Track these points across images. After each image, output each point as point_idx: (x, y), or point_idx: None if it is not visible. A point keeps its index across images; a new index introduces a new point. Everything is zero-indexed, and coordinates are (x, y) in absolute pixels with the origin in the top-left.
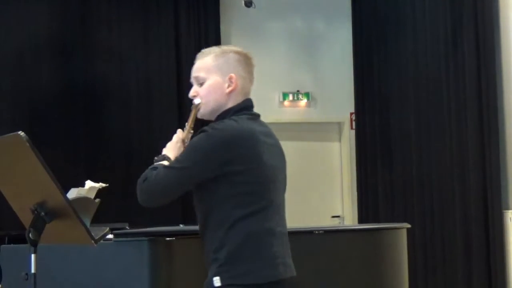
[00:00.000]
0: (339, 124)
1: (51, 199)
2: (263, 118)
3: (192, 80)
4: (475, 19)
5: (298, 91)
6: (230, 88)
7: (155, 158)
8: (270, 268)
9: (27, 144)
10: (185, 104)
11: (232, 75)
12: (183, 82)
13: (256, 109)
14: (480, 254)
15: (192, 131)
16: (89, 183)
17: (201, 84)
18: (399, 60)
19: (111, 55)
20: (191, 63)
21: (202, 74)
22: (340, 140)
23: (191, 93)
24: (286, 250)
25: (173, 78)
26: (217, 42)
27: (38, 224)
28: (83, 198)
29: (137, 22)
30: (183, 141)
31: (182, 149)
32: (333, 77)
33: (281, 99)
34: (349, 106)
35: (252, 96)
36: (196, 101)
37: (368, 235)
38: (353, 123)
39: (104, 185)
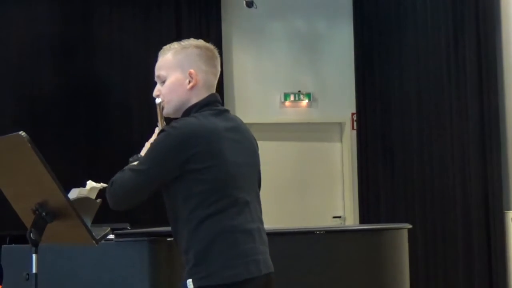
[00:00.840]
0: (341, 125)
1: (52, 199)
2: (264, 119)
3: (155, 78)
4: (476, 19)
5: (299, 91)
6: (191, 84)
7: (130, 159)
8: (239, 267)
9: (28, 144)
10: None
11: (192, 70)
12: None
13: (257, 110)
14: (481, 254)
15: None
16: (90, 183)
17: (163, 83)
18: (401, 60)
19: (112, 54)
20: None
21: (163, 72)
22: (341, 141)
23: (154, 93)
24: (259, 246)
25: None
26: (218, 42)
27: (39, 224)
28: (84, 198)
29: (139, 22)
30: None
31: None
32: (334, 77)
33: (282, 99)
34: (351, 106)
35: (254, 97)
36: (157, 100)
37: (369, 236)
38: (355, 123)
39: (105, 185)
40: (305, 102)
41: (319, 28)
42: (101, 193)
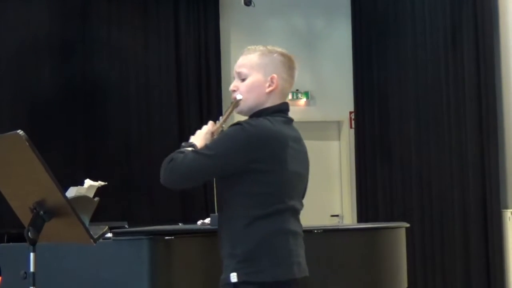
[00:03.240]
0: (339, 123)
1: (50, 197)
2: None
3: (235, 74)
4: (474, 18)
5: (297, 90)
6: (270, 88)
7: (182, 143)
8: (285, 267)
9: (26, 143)
10: (184, 102)
11: (274, 75)
12: (183, 80)
13: None
14: (479, 253)
15: (223, 126)
16: (88, 182)
17: (243, 80)
18: (399, 59)
19: (110, 53)
20: (190, 61)
21: (245, 70)
22: (339, 139)
23: (231, 87)
24: (301, 251)
25: (173, 76)
26: (216, 41)
27: (37, 223)
28: (82, 196)
29: (137, 20)
30: (212, 133)
31: (209, 140)
32: (332, 76)
33: None
34: (349, 105)
35: None
36: (238, 96)
37: (367, 234)
38: (353, 122)
39: (103, 183)
40: (303, 100)
41: (317, 26)
42: (99, 191)
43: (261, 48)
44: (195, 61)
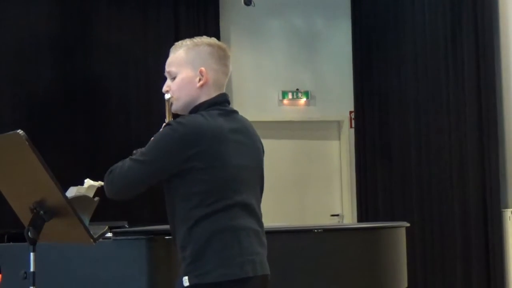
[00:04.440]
0: (339, 123)
1: (50, 197)
2: (262, 117)
3: (166, 74)
4: (474, 17)
5: (297, 89)
6: (201, 82)
7: (134, 151)
8: (234, 266)
9: (26, 143)
10: None
11: (202, 68)
12: None
13: (255, 108)
14: (479, 252)
15: None
16: (88, 182)
17: (173, 79)
18: (399, 58)
19: (110, 53)
20: None
21: (173, 69)
22: (339, 139)
23: (164, 88)
24: (256, 247)
25: None
26: None
27: (37, 223)
28: (82, 196)
29: (137, 20)
30: None
31: None
32: (332, 75)
33: (280, 97)
34: (349, 104)
35: (252, 95)
36: (167, 96)
37: (367, 234)
38: (353, 121)
39: (103, 183)
40: (303, 100)
41: (317, 26)
42: (99, 191)
43: (187, 42)
44: None
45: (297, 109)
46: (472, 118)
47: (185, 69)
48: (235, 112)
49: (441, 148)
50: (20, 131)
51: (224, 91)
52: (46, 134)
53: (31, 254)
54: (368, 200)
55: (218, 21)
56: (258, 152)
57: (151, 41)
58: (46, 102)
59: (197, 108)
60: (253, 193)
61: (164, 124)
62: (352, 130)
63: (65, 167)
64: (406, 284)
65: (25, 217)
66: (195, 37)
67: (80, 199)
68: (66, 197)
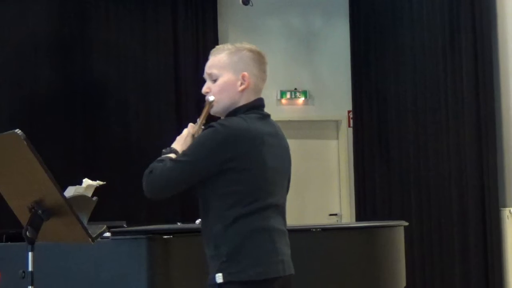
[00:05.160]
0: (337, 122)
1: (49, 197)
2: None
3: (205, 76)
4: (472, 18)
5: (295, 89)
6: (242, 86)
7: (163, 150)
8: (268, 266)
9: (25, 142)
10: (183, 102)
11: (245, 73)
12: (181, 80)
13: None
14: (477, 251)
15: (203, 127)
16: (86, 181)
17: (214, 81)
18: (397, 58)
19: (109, 53)
20: (189, 60)
21: (215, 71)
22: (337, 138)
23: (204, 89)
24: (286, 248)
25: (171, 75)
26: (214, 40)
27: (36, 222)
28: (81, 196)
29: (135, 20)
30: (193, 135)
31: (190, 143)
32: (330, 75)
33: (278, 97)
34: (347, 104)
35: None
36: (211, 98)
37: (365, 233)
38: (351, 121)
39: (101, 183)
40: (301, 99)
41: (316, 26)
42: (97, 191)
43: (229, 46)
44: (194, 61)
45: (295, 108)
46: (470, 117)
47: (227, 73)
48: (269, 116)
49: (439, 148)
50: (18, 131)
51: (261, 96)
52: (44, 133)
53: (30, 253)
54: (366, 199)
55: (216, 21)
56: (288, 156)
57: (150, 41)
58: (44, 102)
59: (236, 111)
60: (282, 195)
61: (207, 125)
62: (351, 129)
63: (64, 167)
64: (404, 283)
65: (23, 217)
66: (235, 43)
67: (79, 199)
68: (64, 197)
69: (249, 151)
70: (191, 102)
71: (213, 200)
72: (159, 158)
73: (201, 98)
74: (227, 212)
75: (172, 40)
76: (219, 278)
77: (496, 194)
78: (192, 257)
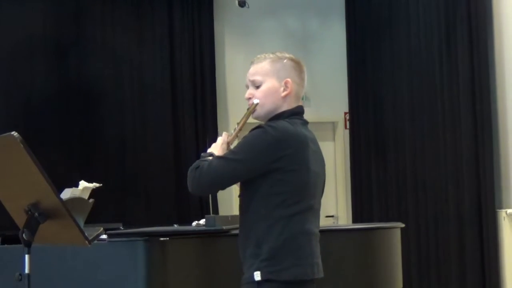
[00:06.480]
0: (333, 124)
1: (45, 199)
2: None
3: (248, 83)
4: (468, 18)
5: None
6: (285, 92)
7: (202, 154)
8: (306, 267)
9: (21, 145)
10: (179, 103)
11: (288, 80)
12: (177, 81)
13: None
14: (474, 253)
15: (239, 135)
16: (83, 183)
17: (257, 87)
18: (393, 59)
19: (105, 54)
20: (185, 62)
21: (259, 77)
22: (334, 140)
23: (247, 95)
24: (319, 251)
25: (167, 77)
26: (211, 42)
27: (32, 225)
28: (77, 198)
29: (131, 21)
30: (228, 143)
31: (226, 150)
32: (327, 76)
33: None
34: (343, 105)
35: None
36: (255, 101)
37: (362, 235)
38: (347, 122)
39: (98, 185)
40: None
41: (312, 28)
42: (93, 193)
43: (271, 55)
44: (190, 62)
45: None
46: (466, 118)
47: (271, 79)
48: (308, 123)
49: (435, 150)
50: (14, 133)
51: (300, 103)
52: (40, 135)
53: (26, 256)
54: (363, 201)
55: (213, 22)
56: (324, 162)
57: (146, 42)
58: (41, 103)
59: (278, 116)
60: (319, 198)
61: (255, 126)
62: (347, 131)
63: (60, 169)
64: (401, 285)
65: (19, 219)
66: (276, 51)
67: (75, 201)
68: (61, 199)
69: (296, 153)
70: (187, 103)
71: (257, 199)
72: (201, 159)
73: (197, 99)
74: (270, 212)
75: (168, 42)
76: (257, 275)
77: (492, 196)
78: (189, 259)
